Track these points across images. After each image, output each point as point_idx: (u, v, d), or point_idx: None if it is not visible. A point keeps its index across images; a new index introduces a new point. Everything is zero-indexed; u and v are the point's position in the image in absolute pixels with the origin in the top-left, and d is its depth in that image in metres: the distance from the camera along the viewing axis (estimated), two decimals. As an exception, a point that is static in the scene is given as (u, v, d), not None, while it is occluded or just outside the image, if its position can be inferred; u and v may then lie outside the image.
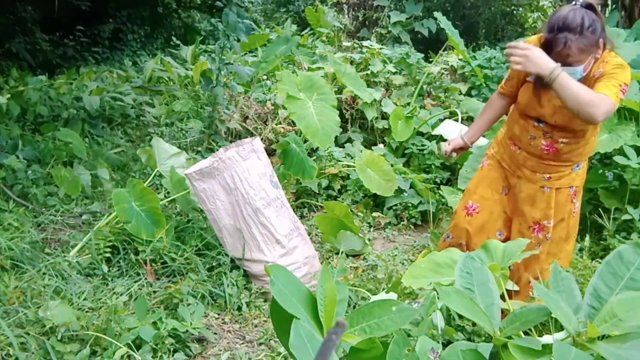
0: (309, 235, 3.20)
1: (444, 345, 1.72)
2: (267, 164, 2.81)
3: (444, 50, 5.59)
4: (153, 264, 2.77)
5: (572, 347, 1.21)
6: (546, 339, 1.57)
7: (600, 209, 3.25)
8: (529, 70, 1.87)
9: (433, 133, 4.29)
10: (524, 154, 2.26)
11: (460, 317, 2.13)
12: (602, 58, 2.03)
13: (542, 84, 1.98)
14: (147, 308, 2.27)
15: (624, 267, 1.51)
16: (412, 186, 3.81)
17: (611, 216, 3.16)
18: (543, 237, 2.30)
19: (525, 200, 2.30)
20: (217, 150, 3.38)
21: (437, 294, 2.06)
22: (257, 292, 2.71)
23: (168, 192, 3.30)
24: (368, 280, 2.85)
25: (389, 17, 9.02)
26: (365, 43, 5.71)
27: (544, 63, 1.85)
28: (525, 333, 1.61)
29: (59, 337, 2.05)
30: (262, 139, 4.37)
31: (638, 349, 1.22)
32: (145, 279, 2.67)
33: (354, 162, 3.67)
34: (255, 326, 2.50)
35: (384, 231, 3.61)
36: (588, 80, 2.03)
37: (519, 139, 2.26)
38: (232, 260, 2.82)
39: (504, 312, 1.61)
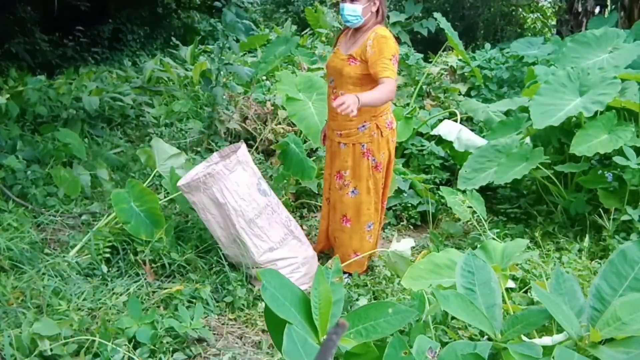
0: (308, 235, 3.19)
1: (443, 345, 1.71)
2: (252, 172, 2.81)
3: (443, 51, 5.59)
4: (153, 264, 2.77)
5: (574, 352, 1.17)
6: (545, 340, 1.55)
7: (599, 209, 3.25)
8: (355, 111, 2.34)
9: (432, 133, 4.29)
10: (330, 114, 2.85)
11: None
12: (374, 29, 2.61)
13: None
14: (141, 308, 2.26)
15: (627, 266, 1.44)
16: (411, 187, 3.81)
17: (611, 217, 3.16)
18: (342, 183, 2.85)
19: (330, 154, 2.90)
20: (217, 150, 3.37)
21: (428, 295, 2.04)
22: (257, 293, 2.70)
23: (167, 192, 3.29)
24: (367, 280, 2.85)
25: (388, 17, 9.01)
26: (364, 43, 5.69)
27: (353, 101, 2.33)
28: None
29: (47, 353, 1.98)
30: (261, 140, 4.38)
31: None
32: (145, 279, 2.67)
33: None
34: (256, 327, 2.50)
35: (384, 231, 3.60)
36: (362, 39, 2.62)
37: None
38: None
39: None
